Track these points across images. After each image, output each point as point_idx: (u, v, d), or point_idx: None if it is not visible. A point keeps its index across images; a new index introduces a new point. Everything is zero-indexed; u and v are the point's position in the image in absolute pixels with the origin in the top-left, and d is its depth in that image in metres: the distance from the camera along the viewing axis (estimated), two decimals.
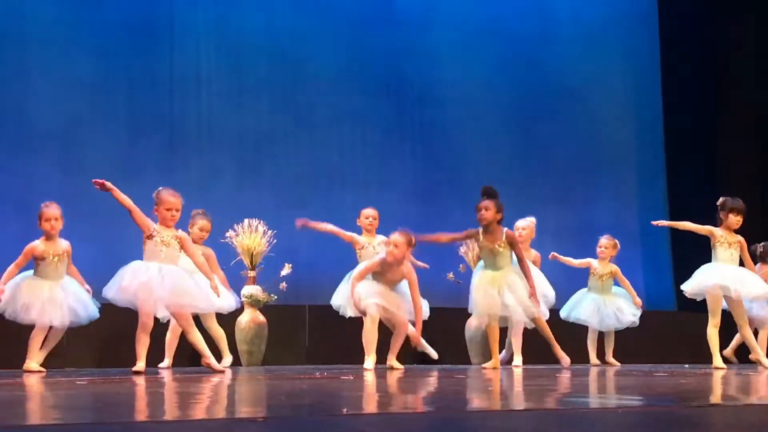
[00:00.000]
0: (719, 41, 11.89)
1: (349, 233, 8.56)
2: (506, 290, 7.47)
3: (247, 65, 10.63)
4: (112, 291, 6.83)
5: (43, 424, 3.14)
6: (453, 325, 9.74)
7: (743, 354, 9.60)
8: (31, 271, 7.55)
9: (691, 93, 11.87)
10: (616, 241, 9.55)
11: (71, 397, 4.44)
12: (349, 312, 8.01)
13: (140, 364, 6.75)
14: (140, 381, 5.71)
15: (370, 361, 7.50)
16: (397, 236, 7.56)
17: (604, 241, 9.50)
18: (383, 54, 11.14)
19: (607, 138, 11.99)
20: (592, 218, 11.35)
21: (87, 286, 7.72)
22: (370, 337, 7.58)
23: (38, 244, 7.50)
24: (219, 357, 7.98)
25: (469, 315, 9.50)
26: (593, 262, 9.50)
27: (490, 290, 7.50)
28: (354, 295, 7.60)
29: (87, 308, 7.61)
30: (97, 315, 7.69)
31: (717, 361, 8.17)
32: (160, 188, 7.02)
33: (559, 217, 11.13)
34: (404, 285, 7.71)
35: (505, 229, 7.62)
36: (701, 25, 12.01)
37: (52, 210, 7.53)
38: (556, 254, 9.42)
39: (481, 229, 7.60)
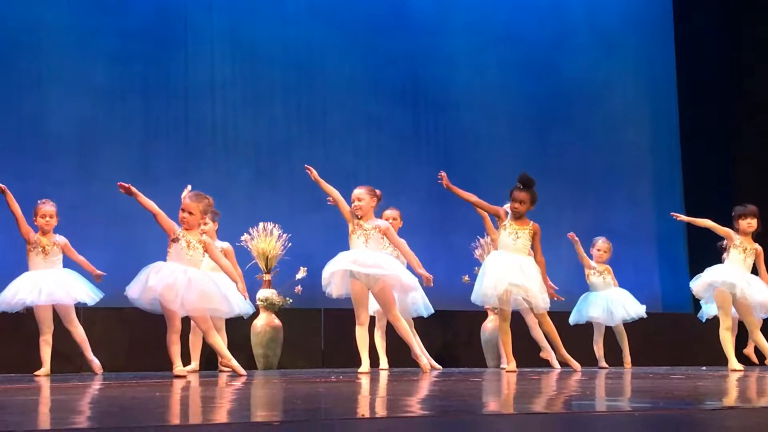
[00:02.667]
0: (735, 43, 11.85)
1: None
2: (518, 270, 7.44)
3: (262, 71, 10.65)
4: (136, 290, 6.84)
5: (61, 429, 3.15)
6: (469, 328, 9.74)
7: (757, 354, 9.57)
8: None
9: (707, 96, 11.83)
10: (611, 244, 9.59)
11: (88, 402, 4.45)
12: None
13: (180, 368, 6.79)
14: (156, 385, 5.73)
15: (363, 365, 7.49)
16: (359, 189, 7.60)
17: (602, 245, 9.55)
18: (398, 59, 11.14)
19: (623, 141, 11.96)
20: (609, 221, 11.32)
21: (98, 272, 7.94)
22: (359, 341, 7.56)
23: (36, 234, 7.84)
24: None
25: (485, 317, 9.51)
26: (591, 262, 9.54)
27: (501, 268, 7.45)
28: (323, 274, 7.60)
29: (75, 290, 7.78)
30: (95, 298, 7.86)
31: (733, 363, 8.14)
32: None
33: (575, 220, 11.09)
34: (386, 257, 7.67)
35: (532, 221, 7.62)
36: (717, 28, 11.96)
37: (47, 207, 7.77)
38: (575, 236, 9.40)
39: (511, 214, 7.61)
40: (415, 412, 3.66)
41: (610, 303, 9.42)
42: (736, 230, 8.27)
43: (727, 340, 8.23)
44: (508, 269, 7.45)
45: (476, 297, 7.75)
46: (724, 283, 8.15)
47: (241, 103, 10.52)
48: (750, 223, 8.23)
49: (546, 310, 7.73)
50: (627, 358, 9.54)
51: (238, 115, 10.47)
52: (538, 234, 7.61)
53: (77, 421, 3.47)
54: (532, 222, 7.63)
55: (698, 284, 8.38)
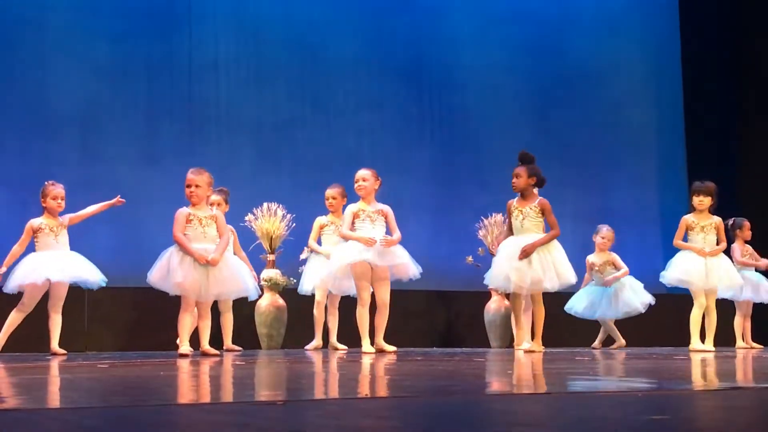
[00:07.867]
0: (740, 24, 11.81)
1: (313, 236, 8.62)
2: (533, 258, 7.41)
3: (266, 51, 10.63)
4: (158, 278, 6.86)
5: (65, 408, 3.16)
6: (473, 309, 9.75)
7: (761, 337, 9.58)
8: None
9: (712, 76, 11.81)
10: (613, 231, 9.53)
11: (92, 381, 4.47)
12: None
13: (185, 347, 6.85)
14: (161, 365, 5.74)
15: (366, 343, 7.50)
16: (365, 171, 7.62)
17: (606, 233, 9.46)
18: (402, 39, 11.12)
19: (627, 122, 11.94)
20: (612, 203, 11.32)
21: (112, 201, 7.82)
22: (361, 321, 7.56)
23: (36, 219, 7.67)
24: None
25: (488, 298, 9.51)
26: (590, 258, 9.49)
27: (509, 258, 7.44)
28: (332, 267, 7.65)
29: (92, 272, 7.67)
30: (103, 283, 7.71)
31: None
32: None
33: (579, 201, 11.10)
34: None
35: (540, 197, 7.58)
36: (722, 9, 11.92)
37: (60, 189, 7.67)
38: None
39: (518, 196, 7.59)
40: (420, 392, 3.67)
41: (597, 299, 9.39)
42: (692, 207, 8.25)
43: (694, 319, 8.20)
44: (514, 258, 7.41)
45: (491, 282, 7.77)
46: (681, 282, 8.15)
47: (244, 83, 10.50)
48: (701, 201, 8.21)
49: (552, 290, 7.70)
50: (602, 336, 9.60)
51: (242, 95, 10.46)
52: (547, 208, 7.53)
53: (82, 399, 3.49)
54: (539, 198, 7.57)
55: (668, 280, 8.40)
